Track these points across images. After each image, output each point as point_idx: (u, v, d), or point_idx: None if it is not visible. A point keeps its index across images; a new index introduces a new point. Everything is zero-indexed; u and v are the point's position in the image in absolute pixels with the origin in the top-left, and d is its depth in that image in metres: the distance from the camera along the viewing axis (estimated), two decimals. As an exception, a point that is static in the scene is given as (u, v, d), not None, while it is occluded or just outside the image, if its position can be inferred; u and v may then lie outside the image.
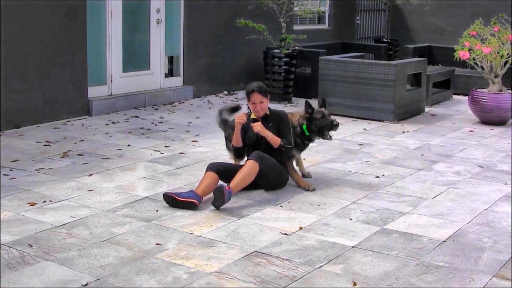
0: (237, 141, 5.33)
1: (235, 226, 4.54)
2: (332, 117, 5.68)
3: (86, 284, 3.56)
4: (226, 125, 5.88)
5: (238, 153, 5.45)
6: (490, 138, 7.78)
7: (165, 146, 6.82)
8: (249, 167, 5.02)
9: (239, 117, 5.25)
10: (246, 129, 5.33)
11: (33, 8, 7.57)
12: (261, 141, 5.29)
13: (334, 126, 5.60)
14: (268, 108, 5.40)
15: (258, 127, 5.21)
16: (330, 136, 5.68)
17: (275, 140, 5.25)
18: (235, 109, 5.92)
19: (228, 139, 5.79)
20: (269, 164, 5.17)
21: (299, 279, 3.71)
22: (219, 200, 4.78)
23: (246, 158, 5.46)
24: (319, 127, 5.60)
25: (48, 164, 6.01)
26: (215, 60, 10.42)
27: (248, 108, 5.44)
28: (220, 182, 4.96)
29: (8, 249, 4.00)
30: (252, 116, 5.38)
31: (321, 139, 5.75)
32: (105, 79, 8.79)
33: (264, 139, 5.26)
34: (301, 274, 3.78)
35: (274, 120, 5.35)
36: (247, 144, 5.40)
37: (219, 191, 4.77)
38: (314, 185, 5.51)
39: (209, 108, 9.18)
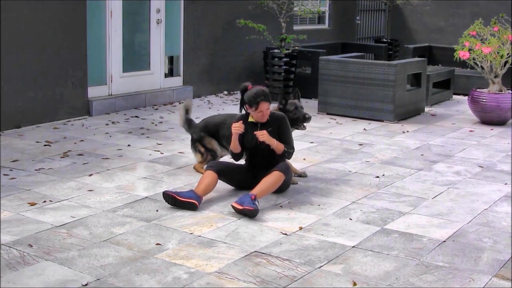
0: (235, 147, 5.28)
1: (235, 226, 4.54)
2: (303, 111, 5.79)
3: (86, 284, 3.56)
4: (190, 125, 6.01)
5: (236, 157, 5.41)
6: (490, 138, 7.78)
7: (158, 144, 6.83)
8: (276, 179, 4.99)
9: (236, 127, 5.15)
10: (243, 132, 5.26)
11: (33, 8, 7.57)
12: (261, 146, 5.22)
13: (306, 119, 5.77)
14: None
15: (264, 136, 5.11)
16: (303, 126, 5.83)
17: (279, 148, 5.20)
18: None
19: (199, 141, 5.82)
20: (289, 176, 5.18)
21: (299, 279, 3.71)
22: (252, 216, 4.72)
23: (245, 156, 5.47)
24: (292, 119, 5.67)
25: (48, 164, 6.01)
26: (215, 60, 10.42)
27: (245, 110, 5.34)
28: (248, 199, 4.76)
29: (8, 249, 4.00)
30: (250, 119, 5.30)
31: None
32: (105, 79, 8.79)
33: (264, 143, 5.20)
34: (301, 274, 3.78)
35: (273, 124, 5.26)
36: (246, 148, 5.35)
37: (254, 213, 4.69)
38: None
39: (209, 108, 9.18)
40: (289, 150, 5.26)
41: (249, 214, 4.68)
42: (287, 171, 5.10)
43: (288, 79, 10.03)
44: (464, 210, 5.03)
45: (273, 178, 4.99)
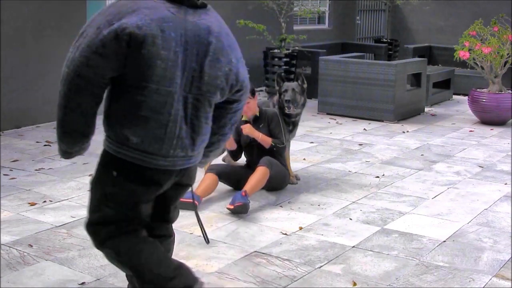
0: (230, 143, 5.31)
1: (235, 226, 4.54)
2: (288, 94, 5.54)
3: (83, 283, 3.55)
4: None
5: (234, 156, 5.45)
6: (490, 138, 7.78)
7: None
8: (261, 173, 5.01)
9: None
10: (239, 131, 5.30)
11: (33, 8, 7.57)
12: (255, 142, 5.26)
13: (284, 101, 5.53)
14: (259, 108, 5.34)
15: (246, 129, 5.18)
16: (289, 108, 5.52)
17: (265, 141, 5.22)
18: None
19: None
20: (277, 170, 5.18)
21: (299, 279, 3.71)
22: (244, 211, 4.74)
23: (244, 159, 5.48)
24: (280, 101, 5.57)
25: (48, 164, 6.01)
26: (215, 60, 10.40)
27: None
28: (238, 195, 4.79)
29: (8, 249, 4.00)
30: (244, 118, 5.33)
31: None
32: (105, 79, 8.78)
33: (256, 140, 5.24)
34: (301, 274, 3.78)
35: (264, 121, 5.31)
36: (243, 146, 5.39)
37: (244, 208, 4.72)
38: (299, 177, 5.72)
39: (209, 108, 9.17)
40: (278, 144, 5.25)
41: (241, 210, 4.70)
42: (271, 164, 5.10)
43: (288, 79, 10.02)
44: (464, 210, 5.03)
45: (258, 173, 5.01)
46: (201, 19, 2.63)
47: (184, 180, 2.83)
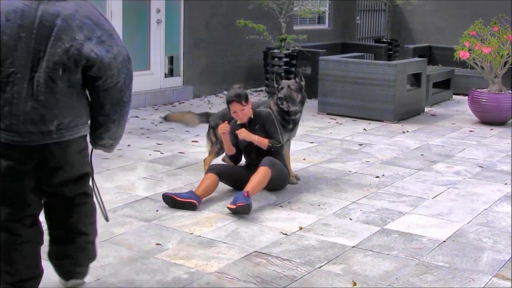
0: (228, 149, 5.32)
1: (235, 226, 4.54)
2: (283, 91, 5.55)
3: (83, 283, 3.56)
4: (208, 116, 5.95)
5: (233, 160, 5.44)
6: (490, 138, 7.78)
7: (158, 144, 6.83)
8: (263, 173, 5.00)
9: (222, 127, 5.18)
10: (236, 135, 5.29)
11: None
12: (253, 144, 5.25)
13: (279, 98, 5.56)
14: (252, 110, 5.32)
15: (242, 134, 5.17)
16: (284, 105, 5.54)
17: (262, 143, 5.20)
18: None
19: (213, 128, 5.71)
20: (278, 170, 5.17)
21: (299, 279, 3.71)
22: (246, 212, 4.73)
23: (244, 160, 5.48)
24: (277, 98, 5.59)
25: (48, 164, 6.00)
26: (215, 60, 10.42)
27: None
28: (240, 196, 4.77)
29: (8, 249, 4.00)
30: (239, 122, 5.33)
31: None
32: (105, 79, 8.77)
33: (253, 143, 5.23)
34: (301, 274, 3.78)
35: (259, 122, 5.29)
36: (241, 149, 5.38)
37: (247, 209, 4.71)
38: (299, 177, 5.71)
39: (209, 108, 9.17)
40: (274, 145, 5.24)
41: (243, 210, 4.69)
42: (273, 164, 5.09)
43: (288, 79, 10.02)
44: (464, 210, 5.03)
45: (259, 174, 5.00)
46: (55, 6, 2.91)
47: (56, 157, 3.03)
